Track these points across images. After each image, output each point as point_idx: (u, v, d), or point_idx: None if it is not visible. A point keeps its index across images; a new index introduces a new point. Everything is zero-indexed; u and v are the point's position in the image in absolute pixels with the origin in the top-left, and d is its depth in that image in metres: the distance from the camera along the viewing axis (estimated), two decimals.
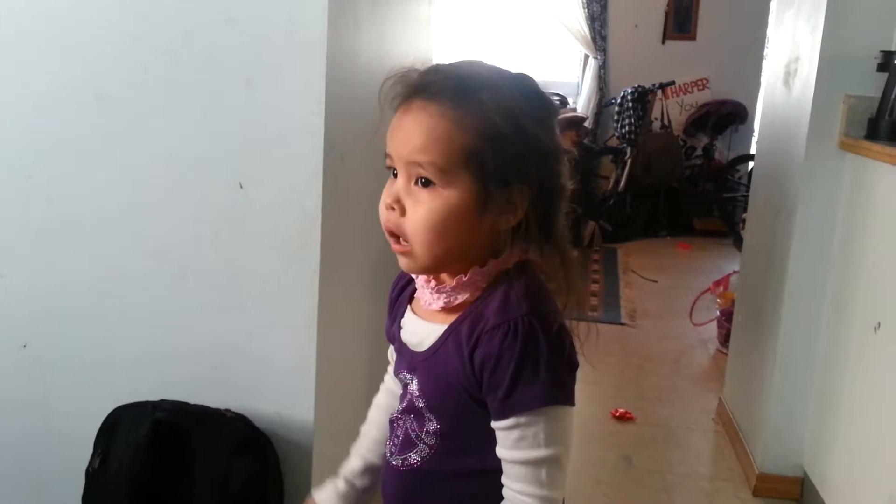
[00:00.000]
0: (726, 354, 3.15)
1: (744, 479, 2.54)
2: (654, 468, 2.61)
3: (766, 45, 5.60)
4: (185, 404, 1.58)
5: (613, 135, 6.01)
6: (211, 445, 1.45)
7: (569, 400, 0.91)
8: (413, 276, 1.01)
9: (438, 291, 0.95)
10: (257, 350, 1.63)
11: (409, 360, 0.99)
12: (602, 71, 6.18)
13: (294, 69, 1.53)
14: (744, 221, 3.85)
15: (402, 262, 0.95)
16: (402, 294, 1.06)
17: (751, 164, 5.36)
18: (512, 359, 0.88)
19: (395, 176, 0.92)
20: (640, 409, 3.01)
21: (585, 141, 5.91)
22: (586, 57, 6.23)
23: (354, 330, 2.04)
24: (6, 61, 1.59)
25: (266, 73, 1.54)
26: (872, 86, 2.16)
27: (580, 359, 0.94)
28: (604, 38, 6.15)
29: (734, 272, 3.79)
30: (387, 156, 0.93)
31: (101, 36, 1.56)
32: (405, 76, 0.93)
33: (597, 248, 5.53)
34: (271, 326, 1.62)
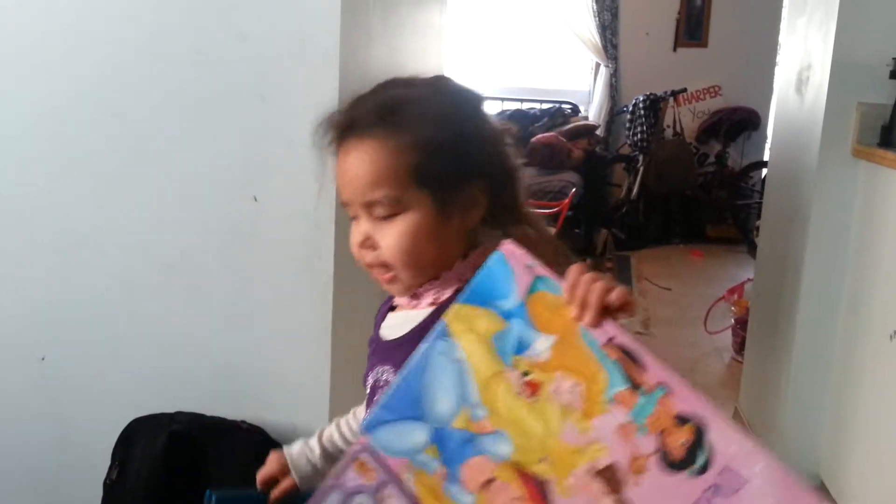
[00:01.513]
0: (741, 362, 3.14)
1: None
2: None
3: (778, 51, 5.59)
4: (201, 416, 1.59)
5: (625, 143, 6.01)
6: (226, 457, 1.46)
7: None
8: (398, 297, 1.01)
9: (426, 291, 0.96)
10: (272, 361, 1.64)
11: (390, 349, 0.99)
12: (613, 79, 6.19)
13: (306, 83, 1.54)
14: (757, 229, 3.83)
15: (392, 290, 0.97)
16: (382, 312, 1.08)
17: (764, 171, 5.34)
18: None
19: (356, 218, 0.94)
20: None
21: (597, 149, 5.91)
22: (597, 65, 6.24)
23: (368, 340, 2.05)
24: (20, 78, 1.62)
25: (279, 88, 1.55)
26: (885, 93, 2.15)
27: None
28: (615, 47, 6.15)
29: (748, 280, 3.77)
30: (344, 205, 0.95)
31: (114, 53, 1.58)
32: (330, 119, 0.95)
33: (609, 256, 5.52)
34: (286, 337, 1.63)
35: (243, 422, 1.60)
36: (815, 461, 2.40)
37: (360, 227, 0.93)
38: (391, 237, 0.91)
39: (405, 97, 0.92)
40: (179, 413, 1.60)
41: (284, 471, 1.08)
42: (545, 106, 6.21)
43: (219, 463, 1.48)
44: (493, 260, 0.78)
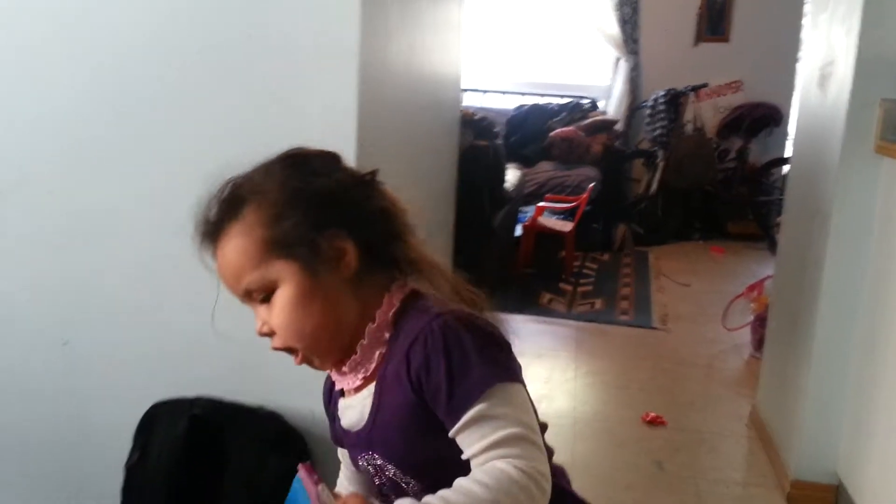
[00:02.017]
0: (760, 360, 3.12)
1: (777, 485, 2.51)
2: (685, 474, 2.59)
3: (800, 47, 5.54)
4: (221, 401, 1.61)
5: (645, 138, 5.98)
6: (245, 442, 1.48)
7: (510, 376, 0.89)
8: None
9: (353, 368, 0.96)
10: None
11: (362, 440, 0.99)
12: (634, 73, 6.16)
13: (325, 82, 1.55)
14: (778, 225, 3.81)
15: (314, 367, 0.98)
16: (332, 396, 1.06)
17: (786, 168, 5.30)
18: (439, 358, 0.87)
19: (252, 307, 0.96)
20: (672, 413, 2.99)
21: (616, 144, 5.89)
22: (618, 59, 6.21)
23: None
24: (26, 75, 1.64)
25: (296, 84, 1.55)
26: None
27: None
28: (635, 41, 6.12)
29: (768, 277, 3.75)
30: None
31: (129, 46, 1.60)
32: (197, 230, 0.96)
33: (627, 251, 5.51)
34: None
35: (261, 407, 1.62)
36: (834, 460, 2.39)
37: (257, 316, 0.95)
38: (275, 315, 0.92)
39: (244, 183, 0.94)
40: (199, 398, 1.62)
41: None
42: (564, 101, 6.19)
43: (238, 447, 1.50)
44: (294, 482, 0.88)
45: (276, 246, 0.90)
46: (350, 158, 1.56)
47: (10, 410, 1.78)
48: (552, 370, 3.42)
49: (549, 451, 0.98)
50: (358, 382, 0.96)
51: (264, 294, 0.92)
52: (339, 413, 1.02)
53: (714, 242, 5.83)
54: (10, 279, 1.73)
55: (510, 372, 0.89)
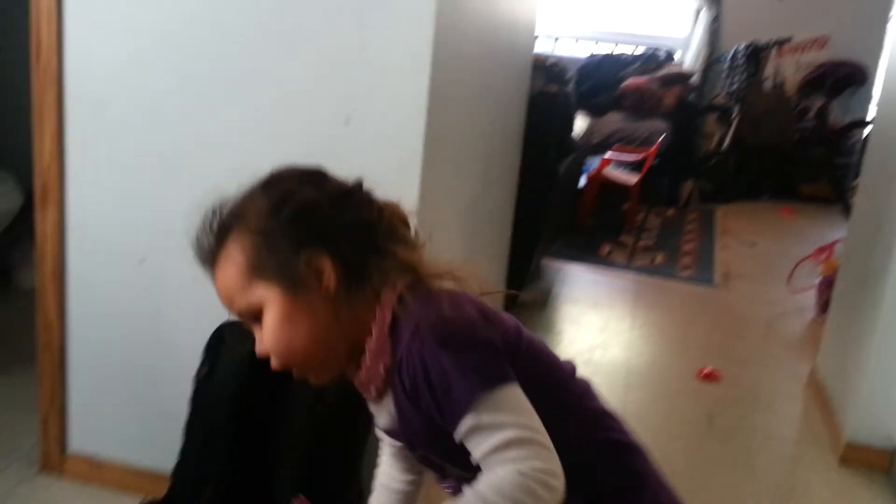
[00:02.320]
0: (823, 323, 3.07)
1: (830, 447, 2.50)
2: (736, 429, 2.59)
3: (892, 5, 5.29)
4: None
5: (720, 92, 5.82)
6: None
7: (496, 380, 0.87)
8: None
9: (363, 385, 0.98)
10: None
11: (399, 436, 1.03)
12: (714, 25, 5.96)
13: (405, 9, 1.56)
14: (854, 189, 3.70)
15: (314, 383, 0.99)
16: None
17: (866, 130, 5.11)
18: (422, 383, 0.88)
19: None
20: (728, 370, 2.98)
21: (690, 97, 5.75)
22: (698, 10, 6.02)
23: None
24: (133, 4, 1.68)
25: (377, 12, 1.57)
26: None
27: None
28: None
29: (839, 240, 3.67)
30: None
31: None
32: (196, 258, 1.01)
33: (693, 208, 5.42)
34: None
35: None
36: (891, 424, 2.36)
37: (256, 337, 0.97)
38: (267, 336, 0.94)
39: (228, 210, 0.98)
40: None
41: None
42: (639, 50, 6.06)
43: None
44: None
45: (256, 270, 0.93)
46: (423, 87, 1.58)
47: (89, 322, 1.88)
48: (608, 320, 3.43)
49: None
50: (374, 393, 0.98)
51: (254, 317, 0.95)
52: (373, 412, 1.05)
53: (784, 203, 5.69)
54: (99, 196, 1.80)
55: (494, 376, 0.87)
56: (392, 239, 0.95)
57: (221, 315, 1.70)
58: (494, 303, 1.11)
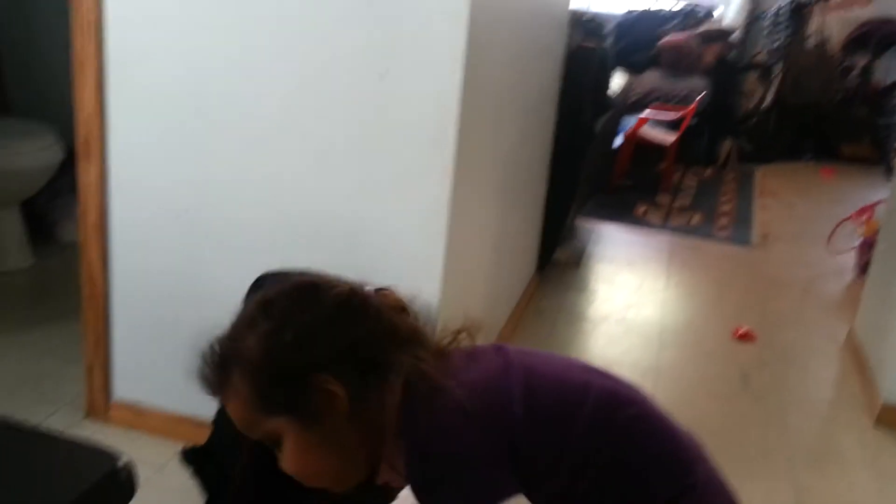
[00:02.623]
0: (862, 285, 3.03)
1: (866, 408, 2.48)
2: (771, 388, 2.58)
3: None
4: (324, 275, 1.69)
5: (761, 50, 5.69)
6: None
7: (475, 500, 0.88)
8: None
9: (386, 482, 0.98)
10: (391, 232, 1.71)
11: None
12: None
13: None
14: None
15: (338, 492, 0.98)
16: None
17: None
18: (419, 497, 0.90)
19: None
20: (764, 331, 2.97)
21: (730, 55, 5.63)
22: None
23: (483, 219, 2.10)
24: None
25: None
26: None
27: None
28: None
29: (880, 201, 3.60)
30: None
31: None
32: (204, 390, 0.96)
33: (732, 167, 5.34)
34: (405, 211, 1.70)
35: (363, 284, 1.69)
36: None
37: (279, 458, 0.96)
38: (287, 463, 0.94)
39: (227, 346, 0.93)
40: (304, 272, 1.70)
41: None
42: (678, 6, 5.93)
43: None
44: None
45: (267, 405, 0.91)
46: (460, 40, 1.57)
47: (132, 274, 1.91)
48: (643, 279, 3.41)
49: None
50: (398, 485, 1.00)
51: (273, 442, 0.94)
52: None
53: (825, 164, 5.59)
54: (141, 148, 1.83)
55: (483, 497, 0.88)
56: (394, 340, 0.92)
57: (262, 265, 1.73)
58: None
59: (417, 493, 0.93)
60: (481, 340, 1.01)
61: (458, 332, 0.97)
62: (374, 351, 0.90)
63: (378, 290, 0.99)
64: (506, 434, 0.91)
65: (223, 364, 0.93)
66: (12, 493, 0.53)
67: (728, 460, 2.09)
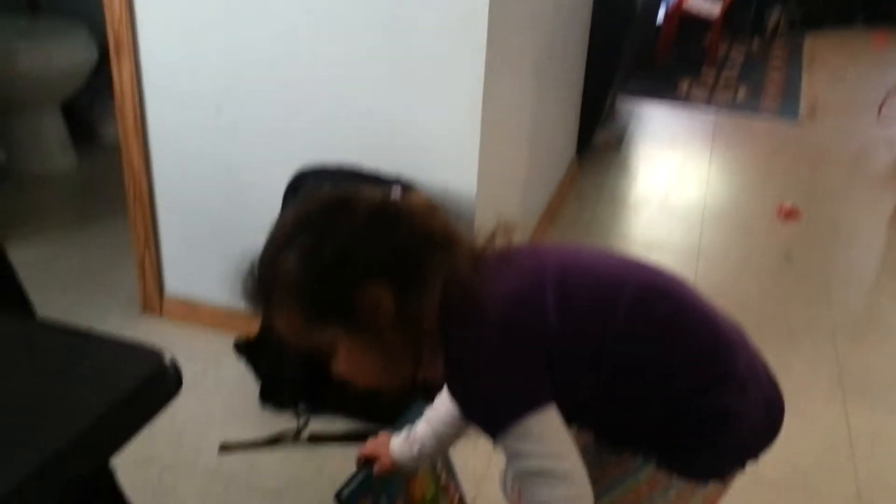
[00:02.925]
0: None
1: None
2: (815, 264, 2.57)
3: None
4: (361, 170, 1.71)
5: None
6: None
7: (520, 410, 0.92)
8: None
9: (427, 378, 1.01)
10: (426, 124, 1.70)
11: None
12: None
13: None
14: None
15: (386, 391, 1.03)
16: None
17: None
18: (457, 403, 0.98)
19: None
20: (810, 206, 2.92)
21: None
22: None
23: (518, 103, 2.07)
24: None
25: None
26: None
27: None
28: None
29: None
30: None
31: None
32: (252, 313, 0.97)
33: (780, 37, 5.13)
34: (440, 103, 1.68)
35: (398, 178, 1.70)
36: None
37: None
38: (342, 369, 0.96)
39: (265, 269, 0.93)
40: (341, 166, 1.71)
41: (385, 453, 1.22)
42: None
43: None
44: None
45: (314, 320, 0.92)
46: None
47: (173, 171, 1.94)
48: (685, 158, 3.36)
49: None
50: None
51: (323, 352, 0.96)
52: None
53: (878, 29, 5.33)
54: (171, 47, 1.82)
55: (515, 409, 0.92)
56: (431, 243, 0.93)
57: (299, 161, 1.75)
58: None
59: (453, 395, 0.98)
60: (518, 236, 1.02)
61: (494, 234, 0.98)
62: (412, 256, 0.92)
63: (404, 191, 1.00)
64: (540, 343, 0.94)
65: (266, 285, 0.94)
66: (60, 393, 0.56)
67: (771, 336, 2.13)
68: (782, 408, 1.06)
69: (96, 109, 3.08)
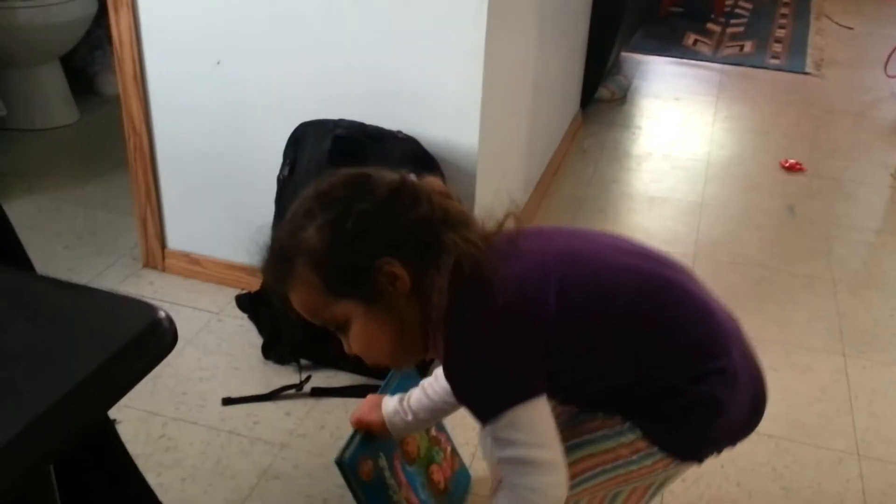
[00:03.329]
0: None
1: None
2: (817, 218, 2.56)
3: None
4: (362, 124, 1.69)
5: None
6: (385, 161, 1.56)
7: (512, 400, 0.94)
8: None
9: (436, 357, 1.02)
10: (428, 78, 1.68)
11: None
12: None
13: None
14: None
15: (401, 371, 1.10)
16: None
17: None
18: (452, 385, 1.00)
19: None
20: (813, 161, 2.90)
21: None
22: None
23: (520, 62, 2.05)
24: None
25: None
26: None
27: None
28: None
29: None
30: None
31: None
32: (268, 287, 1.01)
33: None
34: (441, 56, 1.66)
35: (400, 132, 1.69)
36: None
37: (343, 340, 1.00)
38: (355, 344, 0.98)
39: (285, 241, 0.96)
40: (342, 120, 1.70)
41: (377, 420, 1.24)
42: None
43: (377, 165, 1.59)
44: None
45: (332, 290, 0.94)
46: None
47: (173, 124, 1.93)
48: (689, 114, 3.33)
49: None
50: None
51: (337, 327, 0.98)
52: None
53: None
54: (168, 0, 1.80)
55: (507, 398, 0.94)
56: (446, 222, 0.95)
57: (300, 114, 1.73)
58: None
59: (448, 377, 1.01)
60: (521, 198, 1.04)
61: (504, 219, 1.00)
62: (429, 233, 0.94)
63: (421, 177, 1.01)
64: (539, 334, 0.95)
65: (286, 257, 0.96)
66: (53, 347, 0.57)
67: (772, 289, 2.14)
68: (765, 400, 1.08)
69: (97, 60, 3.06)
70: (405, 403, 1.24)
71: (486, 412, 0.95)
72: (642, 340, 0.99)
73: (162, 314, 0.60)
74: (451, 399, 1.16)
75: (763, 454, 1.61)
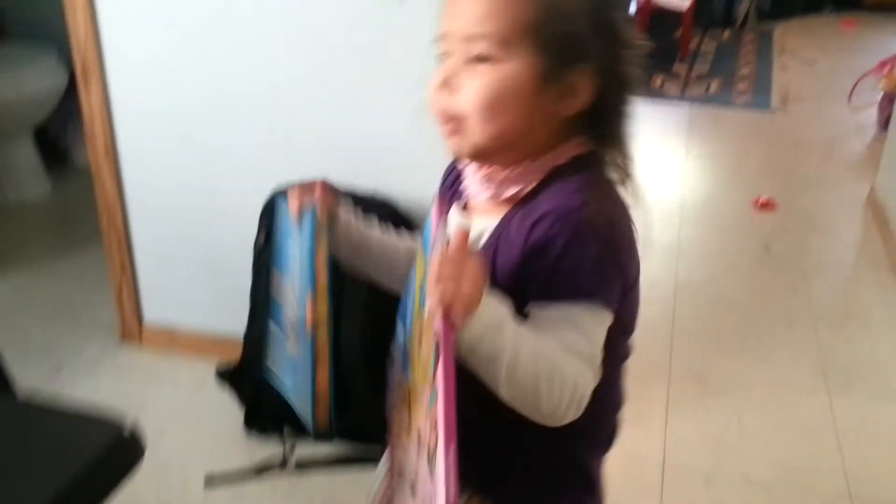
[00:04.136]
0: (884, 141, 2.97)
1: (890, 267, 2.48)
2: (793, 255, 2.59)
3: None
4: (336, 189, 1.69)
5: None
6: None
7: (608, 304, 0.82)
8: (460, 164, 0.94)
9: (488, 180, 0.87)
10: (400, 143, 1.69)
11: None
12: None
13: None
14: None
15: (452, 144, 0.86)
16: (452, 189, 0.97)
17: None
18: (557, 250, 0.80)
19: (446, 56, 0.84)
20: (785, 197, 2.94)
21: None
22: None
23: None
24: None
25: None
26: None
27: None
28: None
29: None
30: (440, 38, 0.84)
31: None
32: None
33: (751, 28, 5.16)
34: (413, 122, 1.67)
35: (374, 195, 1.69)
36: None
37: (447, 66, 0.83)
38: (478, 82, 0.81)
39: None
40: (325, 180, 1.70)
41: (329, 197, 1.03)
42: None
43: None
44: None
45: (538, 36, 0.80)
46: None
47: (146, 198, 1.92)
48: (661, 154, 3.37)
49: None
50: (482, 197, 0.89)
51: (487, 52, 0.80)
52: (449, 220, 0.93)
53: (847, 15, 5.37)
54: (133, 71, 1.80)
55: (608, 300, 0.82)
56: (626, 110, 0.89)
57: (274, 181, 1.73)
58: None
59: (550, 227, 0.81)
60: None
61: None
62: (622, 95, 0.87)
63: None
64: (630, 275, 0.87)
65: None
66: (16, 470, 0.55)
67: (754, 328, 2.13)
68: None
69: (69, 133, 3.05)
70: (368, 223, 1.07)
71: (584, 296, 0.81)
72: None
73: (126, 429, 0.58)
74: (404, 262, 1.02)
75: (755, 502, 1.60)
